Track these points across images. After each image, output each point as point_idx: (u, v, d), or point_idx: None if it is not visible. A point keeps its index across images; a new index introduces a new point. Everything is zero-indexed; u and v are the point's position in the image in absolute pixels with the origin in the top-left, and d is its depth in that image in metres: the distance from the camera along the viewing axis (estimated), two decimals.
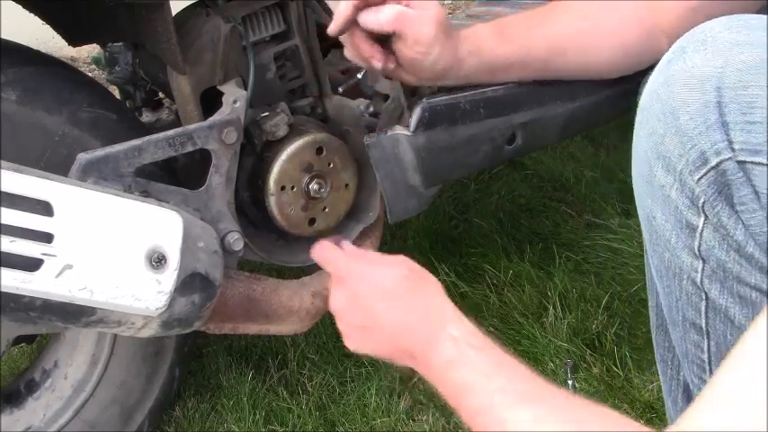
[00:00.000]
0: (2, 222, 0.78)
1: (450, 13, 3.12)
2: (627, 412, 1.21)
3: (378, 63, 0.96)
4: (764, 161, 0.63)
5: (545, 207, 1.77)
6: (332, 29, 0.98)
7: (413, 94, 1.13)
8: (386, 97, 1.17)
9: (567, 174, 1.86)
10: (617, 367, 1.30)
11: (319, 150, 1.08)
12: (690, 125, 0.65)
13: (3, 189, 0.78)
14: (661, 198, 0.71)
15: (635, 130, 0.74)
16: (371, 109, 1.16)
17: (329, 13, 1.56)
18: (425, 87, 1.12)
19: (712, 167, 0.65)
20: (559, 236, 1.64)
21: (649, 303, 0.90)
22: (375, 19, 0.95)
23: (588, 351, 1.33)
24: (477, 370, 0.74)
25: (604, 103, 1.16)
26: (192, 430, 1.26)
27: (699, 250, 0.70)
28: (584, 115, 1.19)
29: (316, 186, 1.08)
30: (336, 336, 1.42)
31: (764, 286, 0.68)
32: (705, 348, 0.76)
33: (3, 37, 1.04)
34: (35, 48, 1.13)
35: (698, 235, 0.70)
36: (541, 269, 1.54)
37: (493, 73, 1.03)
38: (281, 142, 1.06)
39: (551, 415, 0.67)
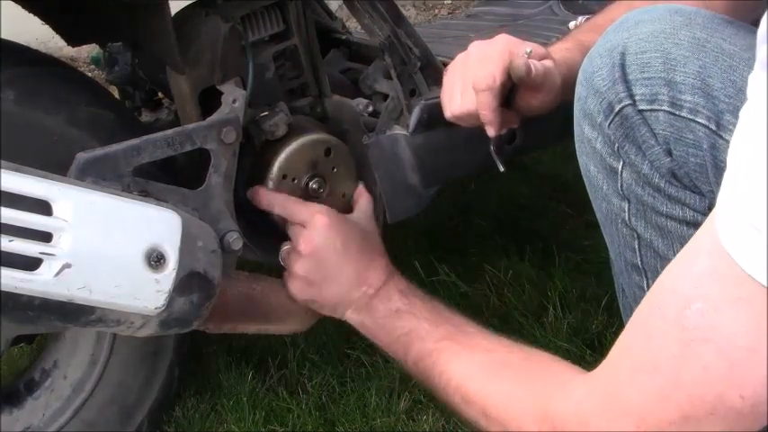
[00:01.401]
0: (1, 222, 0.78)
1: (450, 14, 3.13)
2: None
3: (492, 132, 0.95)
4: (658, 108, 0.77)
5: (545, 207, 1.77)
6: (487, 120, 0.94)
7: (412, 93, 1.13)
8: (385, 97, 1.17)
9: (567, 174, 1.85)
10: None
11: (328, 152, 1.08)
12: (601, 84, 0.80)
13: (2, 188, 0.78)
14: (590, 151, 0.84)
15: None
16: (371, 108, 1.16)
17: (329, 13, 1.56)
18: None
19: (616, 113, 0.79)
20: (559, 236, 1.64)
21: (612, 269, 0.96)
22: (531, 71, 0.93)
23: (588, 351, 1.33)
24: (424, 318, 0.92)
25: None
26: (192, 430, 1.26)
27: (622, 190, 0.82)
28: None
29: (315, 186, 1.08)
30: (336, 336, 1.42)
31: (675, 213, 0.80)
32: (645, 287, 0.85)
33: (3, 37, 1.04)
34: (35, 48, 1.13)
35: (619, 177, 0.82)
36: (541, 269, 1.54)
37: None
38: (281, 142, 1.06)
39: (494, 365, 0.83)
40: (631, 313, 0.92)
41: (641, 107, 0.78)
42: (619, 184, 0.82)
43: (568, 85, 0.96)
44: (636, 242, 0.84)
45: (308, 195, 1.08)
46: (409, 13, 3.17)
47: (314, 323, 1.15)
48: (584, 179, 0.88)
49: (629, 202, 0.82)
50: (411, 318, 0.94)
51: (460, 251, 1.62)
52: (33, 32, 1.35)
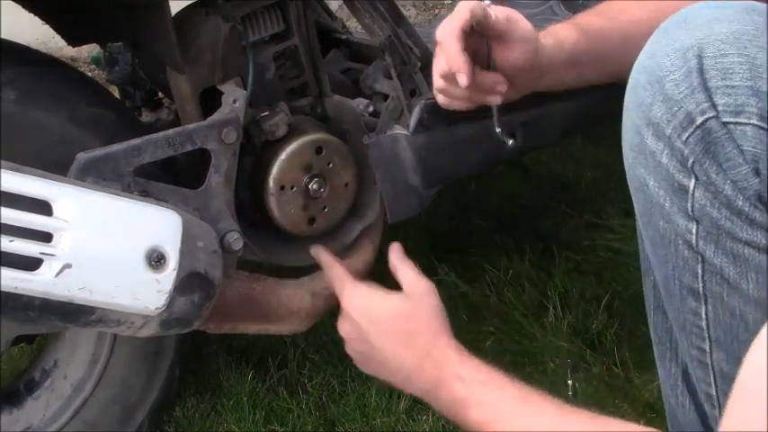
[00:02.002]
0: (1, 222, 0.78)
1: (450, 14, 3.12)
2: (627, 412, 1.21)
3: (464, 79, 0.87)
4: (745, 121, 0.68)
5: (545, 207, 1.77)
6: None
7: (412, 93, 1.13)
8: (386, 97, 1.17)
9: (567, 174, 1.86)
10: (617, 367, 1.30)
11: (319, 150, 1.08)
12: (675, 90, 0.71)
13: (2, 188, 0.78)
14: (653, 165, 0.75)
15: (624, 104, 0.77)
16: (371, 108, 1.16)
17: (329, 13, 1.56)
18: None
19: (698, 126, 0.70)
20: (559, 236, 1.64)
21: (645, 285, 0.91)
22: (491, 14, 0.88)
23: (588, 351, 1.33)
24: (490, 408, 0.80)
25: (605, 102, 1.15)
26: (192, 430, 1.26)
27: (692, 211, 0.74)
28: (585, 114, 1.19)
29: (315, 186, 1.08)
30: (336, 336, 1.42)
31: (756, 240, 0.72)
32: (703, 314, 0.78)
33: (3, 37, 1.04)
34: (35, 48, 1.13)
35: (690, 196, 0.73)
36: (541, 269, 1.54)
37: (575, 67, 0.97)
38: (281, 142, 1.06)
39: None
40: (665, 334, 0.87)
41: (725, 119, 0.69)
42: (689, 204, 0.73)
43: (557, 61, 0.93)
44: (699, 266, 0.76)
45: (310, 197, 1.08)
46: (409, 13, 3.17)
47: (314, 323, 1.15)
48: (636, 191, 0.80)
49: (698, 223, 0.74)
50: (480, 409, 0.81)
51: (460, 251, 1.62)
52: (33, 32, 1.35)
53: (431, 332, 0.87)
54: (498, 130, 0.95)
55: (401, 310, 0.90)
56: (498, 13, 0.88)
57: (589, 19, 0.98)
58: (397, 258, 0.95)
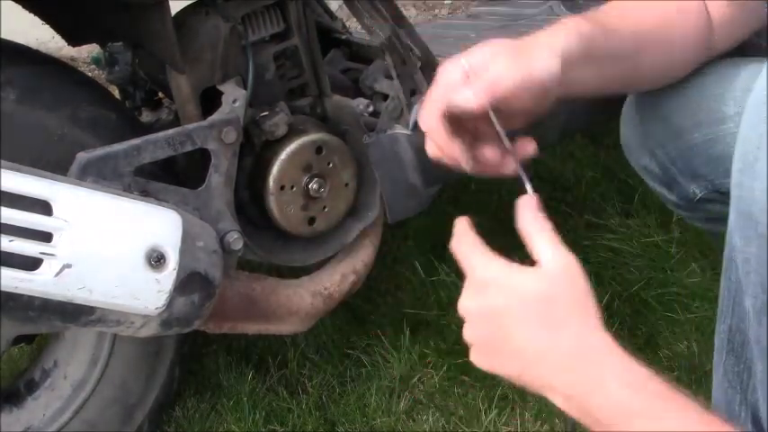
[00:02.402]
0: (1, 222, 0.78)
1: (450, 13, 3.13)
2: None
3: (465, 167, 0.78)
4: None
5: (545, 207, 1.77)
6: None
7: (412, 93, 1.13)
8: (385, 97, 1.17)
9: (567, 174, 1.85)
10: None
11: (319, 150, 1.08)
12: None
13: (2, 188, 0.78)
14: None
15: (748, 145, 0.66)
16: (371, 108, 1.16)
17: (329, 13, 1.56)
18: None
19: None
20: (559, 236, 1.64)
21: (718, 327, 0.84)
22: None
23: None
24: (649, 415, 0.67)
25: (604, 102, 1.15)
26: (192, 430, 1.26)
27: None
28: (585, 114, 1.19)
29: (315, 186, 1.08)
30: (336, 335, 1.42)
31: None
32: None
33: (3, 37, 1.04)
34: (35, 48, 1.13)
35: None
36: None
37: (591, 61, 0.86)
38: (281, 142, 1.06)
39: None
40: (735, 377, 0.81)
41: None
42: None
43: (575, 54, 0.83)
44: None
45: (310, 197, 1.08)
46: (409, 13, 3.17)
47: (314, 323, 1.15)
48: (761, 237, 0.69)
49: None
50: (637, 419, 0.68)
51: None
52: (33, 32, 1.35)
53: (579, 324, 0.71)
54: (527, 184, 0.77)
55: (544, 292, 0.71)
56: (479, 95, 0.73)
57: (599, 15, 0.90)
58: (531, 222, 0.73)
